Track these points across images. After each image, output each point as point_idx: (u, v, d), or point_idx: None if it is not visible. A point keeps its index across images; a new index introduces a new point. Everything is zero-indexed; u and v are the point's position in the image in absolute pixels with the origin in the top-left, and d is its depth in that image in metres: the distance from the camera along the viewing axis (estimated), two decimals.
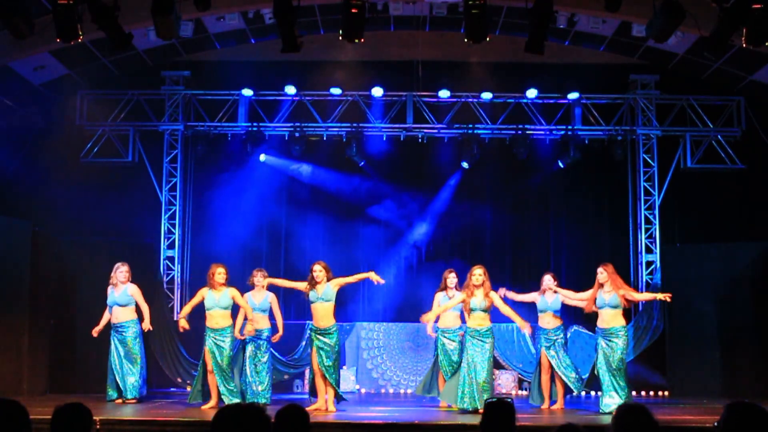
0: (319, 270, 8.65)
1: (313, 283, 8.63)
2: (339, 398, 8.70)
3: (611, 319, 8.72)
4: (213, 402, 8.89)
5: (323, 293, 8.58)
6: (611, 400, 8.62)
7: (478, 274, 8.60)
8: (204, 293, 9.07)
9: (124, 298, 9.67)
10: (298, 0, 8.73)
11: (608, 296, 8.72)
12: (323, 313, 8.62)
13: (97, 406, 8.64)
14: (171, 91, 12.91)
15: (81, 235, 12.04)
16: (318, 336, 8.61)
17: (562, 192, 13.11)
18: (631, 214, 13.04)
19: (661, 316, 12.11)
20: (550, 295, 9.43)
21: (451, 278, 9.51)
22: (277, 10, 8.71)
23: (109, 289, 9.73)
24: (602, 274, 8.80)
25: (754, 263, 11.58)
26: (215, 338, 8.90)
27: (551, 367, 9.35)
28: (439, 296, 9.55)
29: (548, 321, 9.43)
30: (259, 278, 9.57)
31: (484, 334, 8.55)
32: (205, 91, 12.96)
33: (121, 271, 9.71)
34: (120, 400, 9.50)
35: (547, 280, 9.47)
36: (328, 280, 8.64)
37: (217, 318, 8.93)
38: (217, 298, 8.96)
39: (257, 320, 9.49)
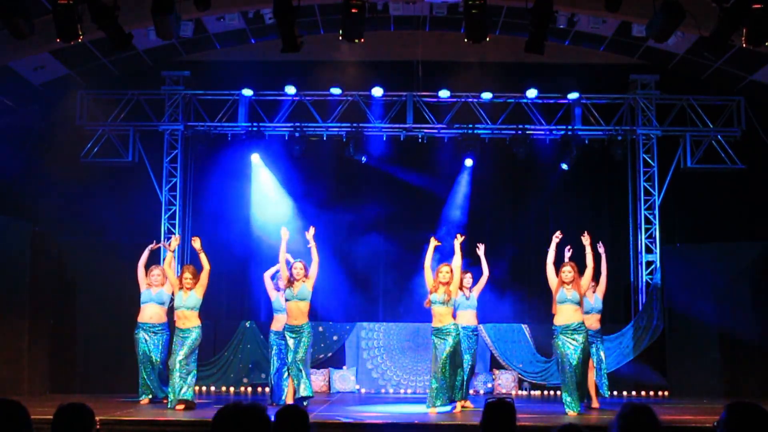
0: (300, 268, 8.74)
1: (292, 281, 8.68)
2: (301, 399, 8.63)
3: (572, 314, 8.67)
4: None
5: (299, 292, 8.67)
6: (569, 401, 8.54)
7: (445, 271, 8.66)
8: (176, 288, 9.07)
9: (161, 297, 9.62)
10: (298, 0, 8.73)
11: (570, 293, 8.67)
12: (297, 312, 8.71)
13: (97, 406, 8.63)
14: (171, 91, 12.92)
15: (81, 235, 12.04)
16: (289, 334, 8.66)
17: (562, 192, 13.10)
18: (631, 214, 13.05)
19: (661, 316, 12.11)
20: (591, 296, 9.44)
21: (467, 279, 9.61)
22: (277, 10, 8.71)
23: (144, 289, 9.64)
24: (570, 272, 8.72)
25: (754, 263, 11.58)
26: (181, 336, 8.90)
27: (593, 365, 9.35)
28: (458, 294, 9.57)
29: (592, 322, 9.43)
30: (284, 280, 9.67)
31: (447, 331, 8.57)
32: (205, 91, 12.97)
33: (155, 275, 9.61)
34: (146, 400, 9.42)
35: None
36: (306, 278, 8.71)
37: (182, 319, 8.92)
38: (184, 298, 8.95)
39: (282, 322, 9.51)
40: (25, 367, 10.42)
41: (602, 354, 9.65)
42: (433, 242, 8.86)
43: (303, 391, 8.59)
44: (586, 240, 8.94)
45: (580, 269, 8.75)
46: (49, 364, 10.96)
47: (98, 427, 6.63)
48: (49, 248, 11.16)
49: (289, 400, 8.60)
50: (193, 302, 8.90)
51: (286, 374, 9.24)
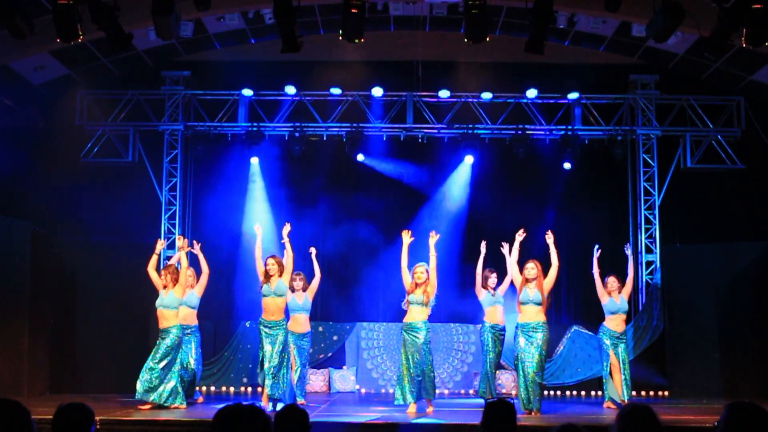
0: (272, 264, 8.79)
1: (267, 277, 8.73)
2: (274, 401, 8.60)
3: (534, 315, 8.66)
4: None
5: (276, 288, 8.73)
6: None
7: (420, 272, 8.69)
8: (159, 287, 9.03)
9: (192, 300, 9.62)
10: (298, 0, 8.73)
11: (533, 292, 8.67)
12: (275, 308, 8.76)
13: (97, 406, 8.63)
14: (171, 91, 12.92)
15: (81, 235, 12.04)
16: (266, 329, 8.69)
17: (562, 192, 13.09)
18: (631, 214, 13.05)
19: (661, 316, 12.11)
20: (617, 296, 9.44)
21: (492, 278, 9.67)
22: (277, 10, 8.72)
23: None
24: (533, 269, 8.71)
25: (754, 263, 11.57)
26: (161, 337, 8.88)
27: (620, 366, 9.32)
28: (483, 293, 9.67)
29: (618, 323, 9.43)
30: (298, 282, 9.70)
31: (417, 327, 8.60)
32: (205, 91, 12.96)
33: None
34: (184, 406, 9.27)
35: (612, 282, 9.50)
36: (281, 275, 8.73)
37: (161, 319, 8.91)
38: (164, 295, 8.94)
39: (300, 322, 9.58)
40: (25, 367, 10.41)
41: (626, 356, 9.50)
42: (406, 238, 8.85)
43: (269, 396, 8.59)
44: (549, 239, 8.95)
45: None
46: (49, 364, 10.96)
47: (98, 427, 6.64)
48: (49, 248, 11.16)
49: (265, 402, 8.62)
50: (170, 301, 8.89)
51: (295, 374, 9.30)
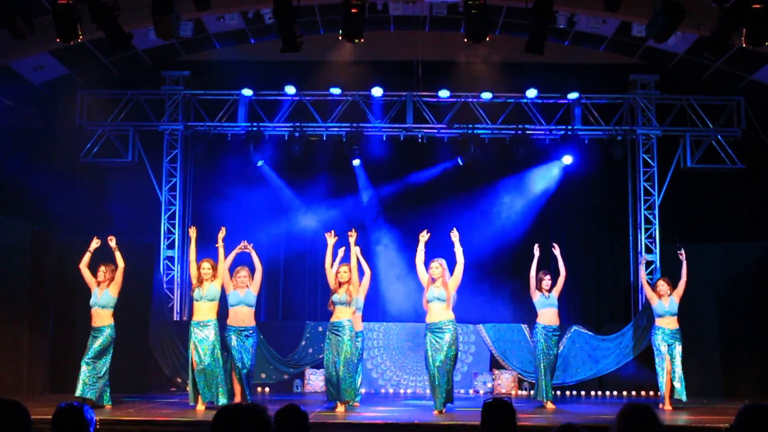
0: (207, 268, 8.77)
1: (201, 280, 8.72)
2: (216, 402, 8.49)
3: (440, 312, 8.60)
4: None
5: (207, 292, 8.69)
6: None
7: (343, 271, 8.78)
8: (92, 285, 8.96)
9: (249, 298, 9.03)
10: (298, 0, 8.73)
11: (438, 290, 8.64)
12: (205, 311, 8.71)
13: (97, 406, 8.64)
14: (171, 91, 12.92)
15: (81, 235, 12.02)
16: (196, 329, 8.64)
17: (561, 192, 13.08)
18: (631, 214, 13.04)
19: None
20: (666, 299, 9.44)
21: (546, 280, 9.70)
22: (277, 10, 8.73)
23: (230, 291, 9.00)
24: (438, 269, 8.66)
25: (755, 263, 11.56)
26: (93, 335, 8.84)
27: (671, 367, 9.29)
28: (537, 294, 9.70)
29: (669, 323, 9.41)
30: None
31: (341, 327, 8.66)
32: (205, 91, 12.96)
33: (241, 276, 8.98)
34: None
35: (661, 284, 9.54)
36: (213, 279, 8.70)
37: (95, 317, 8.87)
38: (99, 296, 8.90)
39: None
40: (25, 367, 10.41)
41: (676, 354, 9.39)
42: (330, 239, 8.97)
43: (222, 399, 8.46)
44: (454, 236, 8.84)
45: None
46: (49, 364, 10.96)
47: (98, 427, 6.64)
48: (49, 248, 11.15)
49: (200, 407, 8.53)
50: (106, 300, 8.86)
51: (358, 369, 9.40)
